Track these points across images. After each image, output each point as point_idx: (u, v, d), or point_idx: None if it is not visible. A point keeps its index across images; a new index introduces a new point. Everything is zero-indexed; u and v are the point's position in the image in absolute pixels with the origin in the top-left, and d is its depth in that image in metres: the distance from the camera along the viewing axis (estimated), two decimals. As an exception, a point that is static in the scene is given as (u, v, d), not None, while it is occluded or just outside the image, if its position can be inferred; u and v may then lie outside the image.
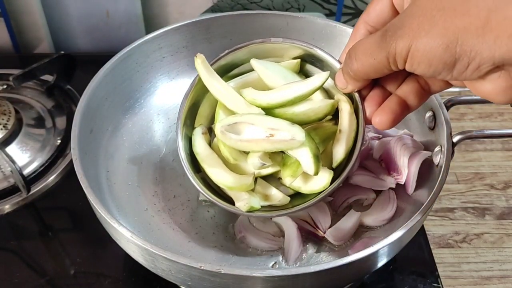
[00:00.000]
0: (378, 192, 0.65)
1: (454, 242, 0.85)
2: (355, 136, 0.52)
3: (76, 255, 0.66)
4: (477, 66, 0.39)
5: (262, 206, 0.54)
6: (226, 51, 0.56)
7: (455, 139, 0.59)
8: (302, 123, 0.52)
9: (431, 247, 0.67)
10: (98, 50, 0.98)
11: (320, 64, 0.56)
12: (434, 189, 0.55)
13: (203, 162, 0.56)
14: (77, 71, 0.85)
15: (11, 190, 0.72)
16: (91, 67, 0.68)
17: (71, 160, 0.59)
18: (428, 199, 0.54)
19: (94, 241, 0.67)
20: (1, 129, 0.75)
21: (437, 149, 0.61)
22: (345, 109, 0.52)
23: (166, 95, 0.75)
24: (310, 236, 0.62)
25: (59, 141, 0.78)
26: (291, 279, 0.49)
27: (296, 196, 0.56)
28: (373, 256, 0.51)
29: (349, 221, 0.61)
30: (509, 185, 0.92)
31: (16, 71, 0.82)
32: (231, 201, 0.55)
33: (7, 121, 0.76)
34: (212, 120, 0.59)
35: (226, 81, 0.56)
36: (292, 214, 0.55)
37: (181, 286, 0.62)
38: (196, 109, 0.58)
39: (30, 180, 0.72)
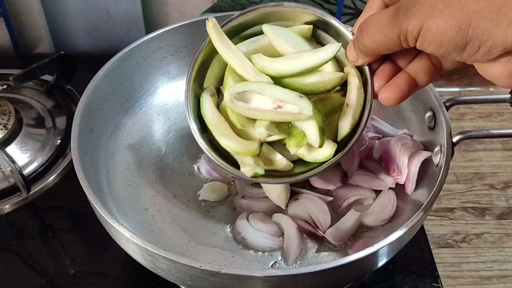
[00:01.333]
0: (378, 192, 0.65)
1: (454, 242, 0.85)
2: (362, 110, 0.52)
3: (76, 255, 0.66)
4: (488, 49, 0.39)
5: (265, 171, 0.55)
6: (238, 13, 0.56)
7: (455, 139, 0.59)
8: (310, 94, 0.52)
9: (431, 247, 0.67)
10: (98, 50, 0.98)
11: (332, 32, 0.55)
12: (434, 189, 0.55)
13: (210, 125, 0.56)
14: (77, 71, 0.85)
15: (11, 190, 0.72)
16: (91, 67, 0.68)
17: (71, 160, 0.59)
18: (428, 199, 0.54)
19: (94, 241, 0.67)
20: (1, 129, 0.75)
21: (437, 149, 0.61)
22: (354, 83, 0.52)
23: (166, 95, 0.75)
24: (310, 236, 0.62)
25: (59, 141, 0.78)
26: (291, 279, 0.49)
27: (299, 162, 0.56)
28: (373, 256, 0.51)
29: (349, 221, 0.61)
30: (509, 185, 0.91)
31: (16, 71, 0.82)
32: (236, 164, 0.55)
33: (7, 121, 0.76)
34: (221, 80, 0.59)
35: (237, 41, 0.56)
36: (294, 181, 0.56)
37: (181, 286, 0.62)
38: (205, 70, 0.58)
39: (30, 180, 0.72)
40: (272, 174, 0.56)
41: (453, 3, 0.39)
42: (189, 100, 0.56)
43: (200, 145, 0.56)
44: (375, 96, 0.50)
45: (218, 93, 0.59)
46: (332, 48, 0.52)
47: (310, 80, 0.52)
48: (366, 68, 0.50)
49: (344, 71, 0.53)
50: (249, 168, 0.53)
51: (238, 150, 0.55)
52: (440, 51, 0.41)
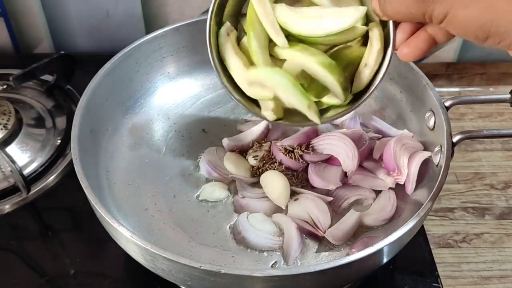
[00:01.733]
0: (378, 192, 0.65)
1: (454, 242, 0.85)
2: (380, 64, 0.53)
3: (76, 255, 0.66)
4: (508, 44, 0.41)
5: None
6: None
7: (455, 139, 0.59)
8: (330, 45, 0.53)
9: (431, 247, 0.67)
10: (98, 50, 0.98)
11: None
12: (434, 189, 0.55)
13: (230, 69, 0.56)
14: (77, 71, 0.85)
15: (11, 190, 0.72)
16: (91, 67, 0.69)
17: (71, 160, 0.59)
18: (428, 199, 0.54)
19: (94, 241, 0.67)
20: (1, 129, 0.75)
21: (437, 149, 0.61)
22: (376, 46, 0.52)
23: (166, 95, 0.75)
24: (310, 236, 0.62)
25: (59, 141, 0.78)
26: (291, 279, 0.49)
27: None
28: (373, 256, 0.51)
29: (349, 221, 0.61)
30: (509, 185, 0.91)
31: (16, 71, 0.82)
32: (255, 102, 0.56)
33: (7, 121, 0.76)
34: (240, 8, 0.57)
35: None
36: (310, 126, 0.63)
37: (181, 286, 0.62)
38: (223, 5, 0.56)
39: (30, 180, 0.72)
40: (290, 113, 0.56)
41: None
42: (211, 39, 0.55)
43: (222, 84, 0.55)
44: (395, 49, 0.51)
45: (237, 23, 0.57)
46: (356, 12, 0.51)
47: (331, 38, 0.52)
48: (391, 22, 0.50)
49: (368, 29, 0.53)
50: (270, 112, 0.55)
51: (256, 95, 0.55)
52: (462, 37, 0.44)
